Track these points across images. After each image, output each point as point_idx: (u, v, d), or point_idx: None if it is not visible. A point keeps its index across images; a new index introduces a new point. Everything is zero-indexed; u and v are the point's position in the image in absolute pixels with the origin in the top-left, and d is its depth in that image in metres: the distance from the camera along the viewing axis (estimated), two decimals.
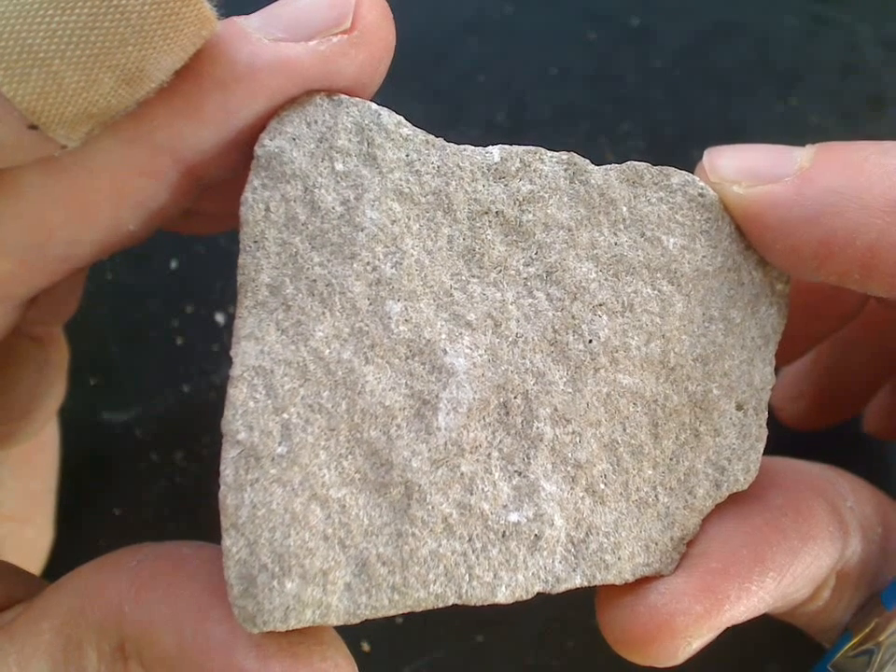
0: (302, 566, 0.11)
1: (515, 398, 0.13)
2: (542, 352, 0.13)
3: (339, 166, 0.12)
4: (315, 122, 0.12)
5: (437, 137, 0.13)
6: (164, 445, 0.22)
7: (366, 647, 0.20)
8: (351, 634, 0.22)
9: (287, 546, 0.11)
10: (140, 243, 0.14)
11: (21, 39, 0.08)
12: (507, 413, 0.13)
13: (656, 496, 0.13)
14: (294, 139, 0.12)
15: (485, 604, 0.12)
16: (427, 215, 0.13)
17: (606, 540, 0.13)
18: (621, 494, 0.13)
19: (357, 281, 0.12)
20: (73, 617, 0.12)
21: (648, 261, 0.13)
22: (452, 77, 0.24)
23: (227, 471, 0.11)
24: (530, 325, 0.13)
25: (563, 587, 0.13)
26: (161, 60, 0.10)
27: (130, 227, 0.12)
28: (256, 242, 0.12)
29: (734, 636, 0.21)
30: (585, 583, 0.13)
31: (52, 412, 0.19)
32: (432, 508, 0.12)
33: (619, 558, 0.13)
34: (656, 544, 0.13)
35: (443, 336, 0.12)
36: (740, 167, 0.13)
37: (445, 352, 0.12)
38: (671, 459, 0.13)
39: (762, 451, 0.14)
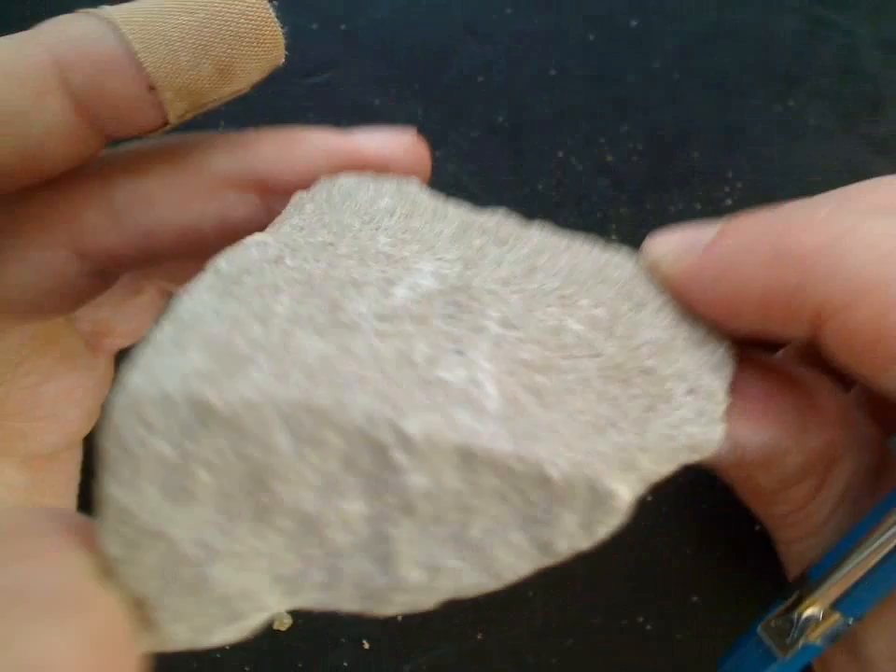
0: None
1: (470, 301, 0.13)
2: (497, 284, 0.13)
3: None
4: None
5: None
6: None
7: (366, 644, 0.21)
8: (351, 632, 0.22)
9: None
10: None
11: (157, 27, 0.12)
12: (458, 310, 0.13)
13: (604, 426, 0.12)
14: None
15: (388, 424, 0.11)
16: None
17: (542, 427, 0.12)
18: (567, 412, 0.12)
19: None
20: None
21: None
22: (452, 77, 0.24)
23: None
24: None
25: (483, 444, 0.11)
26: (246, 62, 0.13)
27: None
28: None
29: (736, 638, 0.21)
30: (510, 449, 0.11)
31: (77, 431, 0.18)
32: (366, 339, 0.11)
33: (553, 440, 0.11)
34: (601, 454, 0.12)
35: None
36: (667, 248, 0.14)
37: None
38: (624, 405, 0.13)
39: (720, 430, 0.13)
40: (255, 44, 0.13)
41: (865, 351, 0.12)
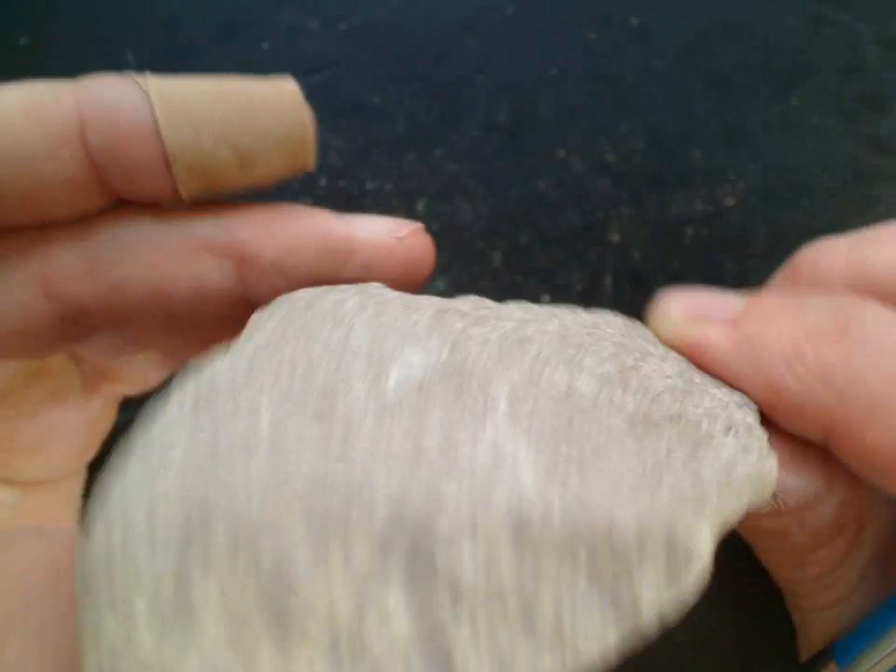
0: None
1: (470, 380, 0.12)
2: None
3: None
4: None
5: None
6: None
7: None
8: None
9: None
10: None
11: (188, 107, 0.12)
12: (459, 391, 0.11)
13: (653, 483, 0.11)
14: None
15: (422, 497, 0.10)
16: None
17: (589, 487, 0.10)
18: (607, 474, 0.11)
19: None
20: None
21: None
22: (452, 76, 0.24)
23: None
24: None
25: (534, 509, 0.10)
26: (270, 160, 0.13)
27: None
28: None
29: (734, 636, 0.21)
30: (564, 509, 0.10)
31: (63, 466, 0.17)
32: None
33: (606, 496, 0.11)
34: (662, 506, 0.11)
35: None
36: (685, 309, 0.15)
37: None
38: (665, 457, 0.12)
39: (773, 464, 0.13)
40: (283, 146, 0.13)
41: (882, 470, 0.12)
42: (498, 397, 0.11)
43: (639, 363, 0.13)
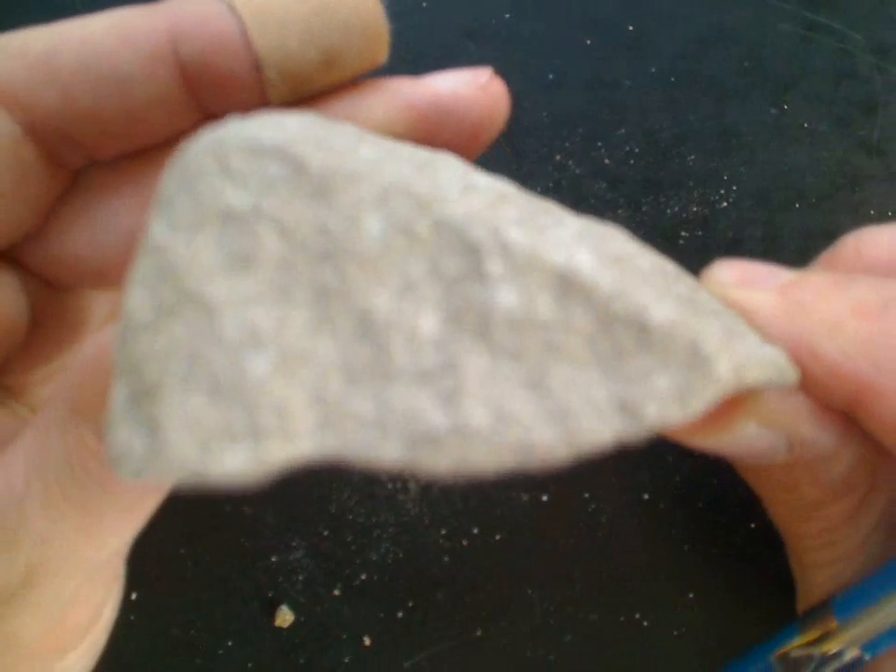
0: None
1: (546, 207, 0.12)
2: None
3: None
4: None
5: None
6: None
7: (367, 641, 0.21)
8: (352, 629, 0.22)
9: None
10: None
11: (271, 10, 0.13)
12: (534, 208, 0.12)
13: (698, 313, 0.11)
14: None
15: (490, 228, 0.10)
16: None
17: (641, 280, 0.11)
18: (648, 288, 0.11)
19: None
20: None
21: None
22: None
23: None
24: None
25: (586, 272, 0.10)
26: (350, 54, 0.13)
27: None
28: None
29: (732, 634, 0.21)
30: (612, 285, 0.10)
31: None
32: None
33: (656, 292, 0.11)
34: (702, 321, 0.11)
35: None
36: (737, 275, 0.16)
37: None
38: (706, 316, 0.12)
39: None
40: (361, 38, 0.13)
41: None
42: (570, 224, 0.11)
43: (695, 283, 0.13)
